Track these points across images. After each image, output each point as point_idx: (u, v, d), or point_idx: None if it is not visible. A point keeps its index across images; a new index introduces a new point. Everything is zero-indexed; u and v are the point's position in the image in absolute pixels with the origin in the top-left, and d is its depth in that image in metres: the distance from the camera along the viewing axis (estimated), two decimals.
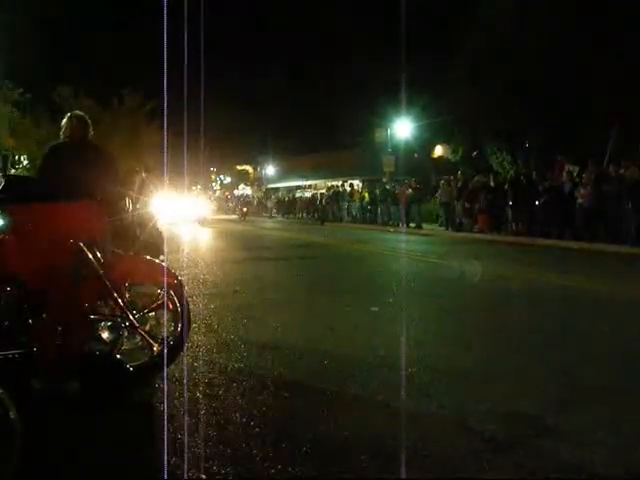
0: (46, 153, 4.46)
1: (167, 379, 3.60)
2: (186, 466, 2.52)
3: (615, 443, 2.74)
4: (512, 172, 19.53)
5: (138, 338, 3.60)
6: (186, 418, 3.02)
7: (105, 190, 4.04)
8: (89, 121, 4.64)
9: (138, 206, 5.77)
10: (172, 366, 3.70)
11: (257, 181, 45.89)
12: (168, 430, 2.87)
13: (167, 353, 3.64)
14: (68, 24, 26.63)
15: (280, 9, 26.51)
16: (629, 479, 2.46)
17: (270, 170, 43.22)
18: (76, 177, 4.14)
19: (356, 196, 26.18)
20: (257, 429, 2.88)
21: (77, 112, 4.74)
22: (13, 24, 20.83)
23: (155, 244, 7.74)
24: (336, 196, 27.74)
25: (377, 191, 24.11)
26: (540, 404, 3.21)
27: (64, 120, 4.58)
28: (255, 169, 46.90)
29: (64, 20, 26.15)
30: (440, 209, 19.70)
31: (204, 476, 2.45)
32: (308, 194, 35.44)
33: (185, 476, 2.45)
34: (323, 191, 31.77)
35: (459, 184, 18.52)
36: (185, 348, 3.85)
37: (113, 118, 29.24)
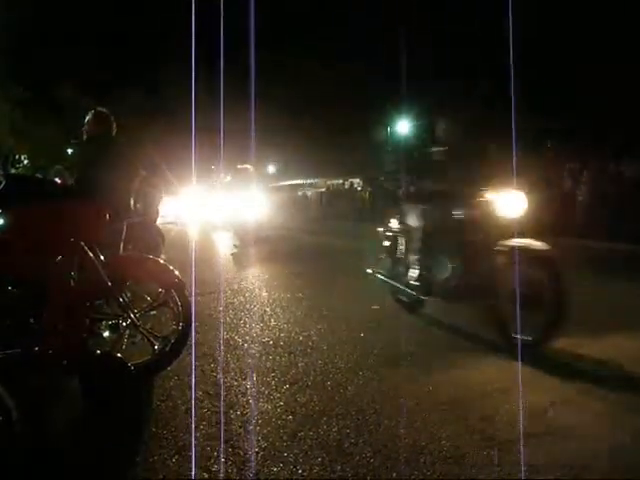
0: (74, 151, 4.54)
1: (168, 378, 3.60)
2: (187, 465, 2.52)
3: (617, 441, 2.73)
4: None
5: (139, 337, 3.60)
6: (187, 417, 3.02)
7: (112, 188, 4.06)
8: (111, 117, 4.62)
9: (138, 205, 5.77)
10: (173, 365, 3.70)
11: (257, 180, 45.77)
12: (169, 429, 2.88)
13: (168, 352, 3.64)
14: (68, 22, 26.60)
15: (279, 8, 26.55)
16: (632, 478, 2.46)
17: (271, 169, 43.17)
18: (88, 176, 4.16)
19: (356, 194, 26.20)
20: (258, 427, 2.88)
21: (99, 109, 4.73)
22: (13, 23, 20.83)
23: (155, 243, 7.74)
24: (336, 194, 27.76)
25: (377, 189, 24.11)
26: (542, 401, 3.21)
27: (87, 117, 4.59)
28: (256, 167, 46.79)
29: (64, 19, 26.13)
30: None
31: (206, 475, 2.45)
32: (309, 192, 35.40)
33: (186, 475, 2.45)
34: (323, 189, 31.75)
35: None
36: (186, 347, 3.84)
37: (115, 115, 29.13)
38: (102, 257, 3.40)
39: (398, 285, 5.31)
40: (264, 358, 4.06)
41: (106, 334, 3.50)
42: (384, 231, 5.94)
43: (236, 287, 7.12)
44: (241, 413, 3.07)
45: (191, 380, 3.56)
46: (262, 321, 5.20)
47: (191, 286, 5.97)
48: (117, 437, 2.88)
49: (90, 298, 3.44)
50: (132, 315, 3.49)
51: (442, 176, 5.45)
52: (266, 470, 2.47)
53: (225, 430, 2.85)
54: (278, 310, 5.69)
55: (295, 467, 2.49)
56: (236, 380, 3.58)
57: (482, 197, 4.56)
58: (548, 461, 2.51)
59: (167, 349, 3.64)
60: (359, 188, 28.15)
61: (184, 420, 2.98)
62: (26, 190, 3.58)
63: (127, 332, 3.53)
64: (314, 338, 4.57)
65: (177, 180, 17.67)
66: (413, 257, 5.14)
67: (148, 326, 3.67)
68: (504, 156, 5.90)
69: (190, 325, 3.74)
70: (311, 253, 11.90)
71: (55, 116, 28.28)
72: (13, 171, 25.57)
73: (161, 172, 13.06)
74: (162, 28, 27.39)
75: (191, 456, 2.58)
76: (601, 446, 2.64)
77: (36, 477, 2.41)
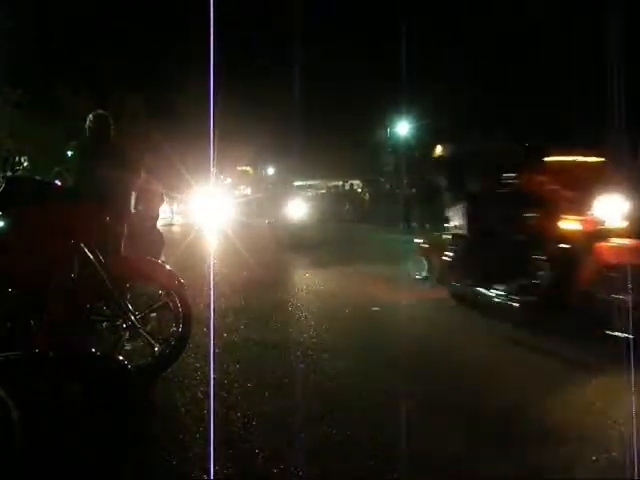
0: (73, 153, 4.54)
1: (168, 379, 3.60)
2: (187, 466, 2.51)
3: (615, 441, 2.73)
4: None
5: (139, 339, 3.60)
6: (188, 418, 3.02)
7: (112, 190, 4.06)
8: (110, 119, 4.64)
9: (139, 207, 5.77)
10: (173, 366, 3.70)
11: (257, 182, 45.76)
12: (169, 430, 2.87)
13: (168, 353, 3.64)
14: (67, 23, 26.54)
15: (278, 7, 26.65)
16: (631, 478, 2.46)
17: (270, 171, 43.19)
18: (88, 177, 4.17)
19: (356, 196, 26.19)
20: (259, 429, 2.88)
21: (99, 111, 4.74)
22: (12, 24, 20.84)
23: (156, 244, 7.74)
24: (336, 196, 27.77)
25: (377, 191, 24.13)
26: (540, 403, 3.21)
27: (88, 119, 4.60)
28: (255, 170, 46.83)
29: (63, 19, 26.09)
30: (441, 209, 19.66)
31: (206, 476, 2.45)
32: (309, 194, 35.37)
33: (186, 476, 2.45)
34: (323, 191, 31.75)
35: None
36: (186, 348, 3.84)
37: (114, 119, 29.04)
38: (102, 259, 3.40)
39: (492, 294, 4.98)
40: (263, 359, 4.06)
41: (106, 335, 3.50)
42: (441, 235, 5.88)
43: (237, 287, 7.12)
44: (242, 414, 3.06)
45: (191, 381, 3.56)
46: (262, 322, 5.20)
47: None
48: (117, 438, 2.87)
49: (90, 300, 3.44)
50: (132, 317, 3.49)
51: None
52: (267, 471, 2.47)
53: (225, 431, 2.85)
54: (278, 311, 5.69)
55: (296, 468, 2.48)
56: (236, 381, 3.58)
57: None
58: None
59: (167, 351, 3.63)
60: (359, 190, 28.16)
61: (184, 421, 2.98)
62: (26, 192, 3.58)
63: (127, 334, 3.53)
64: (314, 339, 4.57)
65: (189, 181, 17.58)
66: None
67: (148, 328, 3.66)
68: None
69: (190, 327, 3.73)
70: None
71: (55, 118, 28.25)
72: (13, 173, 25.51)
73: (175, 172, 12.96)
74: (163, 29, 27.42)
75: (191, 457, 2.58)
76: None
77: (36, 477, 2.40)
